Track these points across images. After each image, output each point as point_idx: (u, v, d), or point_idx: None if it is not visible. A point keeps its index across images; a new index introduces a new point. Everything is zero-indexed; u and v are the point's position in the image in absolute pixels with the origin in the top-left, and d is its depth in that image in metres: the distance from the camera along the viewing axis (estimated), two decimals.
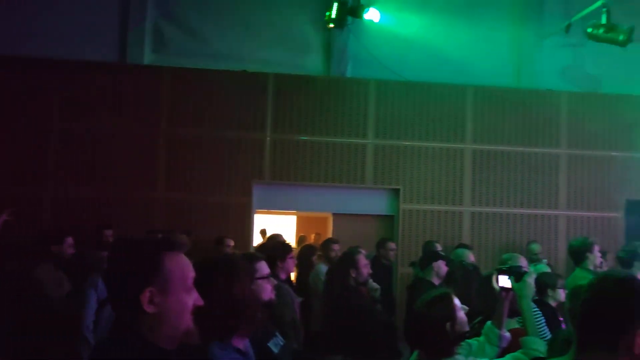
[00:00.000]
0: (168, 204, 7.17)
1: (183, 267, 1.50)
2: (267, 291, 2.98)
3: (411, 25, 7.37)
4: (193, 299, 1.51)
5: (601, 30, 6.19)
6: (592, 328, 1.58)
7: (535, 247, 7.26)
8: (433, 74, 7.60)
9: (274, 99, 7.43)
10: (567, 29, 6.96)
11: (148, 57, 7.60)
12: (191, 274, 1.52)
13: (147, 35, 7.57)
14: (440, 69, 7.59)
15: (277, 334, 2.94)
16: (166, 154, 7.24)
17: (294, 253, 8.10)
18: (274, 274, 3.40)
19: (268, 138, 7.41)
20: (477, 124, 7.68)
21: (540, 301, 4.38)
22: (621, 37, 6.06)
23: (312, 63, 7.92)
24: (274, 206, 8.11)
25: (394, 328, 4.90)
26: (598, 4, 6.25)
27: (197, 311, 1.51)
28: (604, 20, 6.19)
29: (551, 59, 7.93)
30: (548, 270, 5.92)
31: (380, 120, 7.56)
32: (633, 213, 7.88)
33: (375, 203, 7.73)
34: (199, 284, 1.55)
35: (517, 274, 2.64)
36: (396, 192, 7.61)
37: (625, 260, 5.06)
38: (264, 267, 3.00)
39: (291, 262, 4.51)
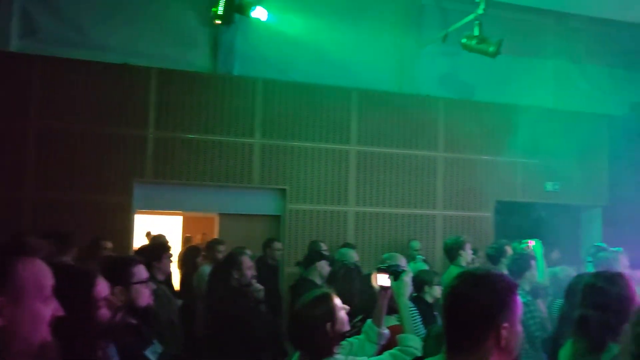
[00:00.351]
0: (38, 204, 6.62)
1: (38, 274, 1.36)
2: (144, 296, 2.85)
3: (298, 26, 7.41)
4: (51, 309, 1.37)
5: (474, 42, 6.62)
6: (458, 325, 1.62)
7: (415, 245, 7.61)
8: (320, 75, 7.71)
9: (157, 94, 7.13)
10: (444, 38, 7.37)
11: (15, 44, 6.97)
12: (49, 281, 1.37)
13: (14, 19, 6.94)
14: (327, 71, 7.71)
15: (155, 341, 2.82)
16: (36, 150, 6.67)
17: (180, 254, 7.96)
18: (150, 275, 3.25)
19: (150, 135, 7.10)
20: (361, 126, 7.90)
21: (418, 298, 4.59)
22: (491, 49, 6.51)
23: (198, 59, 7.70)
24: (157, 206, 7.78)
25: (278, 329, 4.89)
26: (472, 16, 6.67)
27: (56, 323, 1.38)
28: (476, 32, 6.62)
29: (430, 66, 8.36)
30: (426, 267, 6.25)
31: (267, 119, 7.53)
32: (501, 213, 8.52)
33: (262, 203, 7.69)
34: (59, 292, 1.41)
35: (395, 273, 2.72)
36: (283, 192, 7.62)
37: (493, 257, 5.42)
38: (141, 271, 2.86)
39: (168, 263, 4.35)
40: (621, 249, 4.86)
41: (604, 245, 5.59)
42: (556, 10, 7.38)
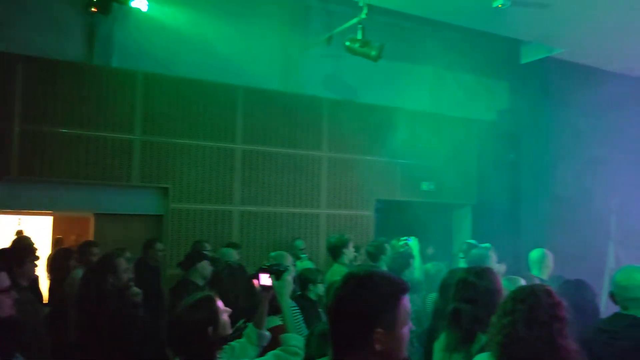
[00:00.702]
0: None
1: None
2: (5, 306, 2.62)
3: (182, 19, 7.17)
4: None
5: (357, 45, 6.78)
6: (340, 327, 1.63)
7: (300, 244, 7.68)
8: (205, 71, 7.51)
9: (23, 84, 6.55)
10: (329, 40, 7.49)
11: None
12: None
13: None
14: (213, 67, 7.52)
15: (18, 355, 2.60)
16: None
17: (49, 257, 7.37)
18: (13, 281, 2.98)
19: (16, 128, 6.51)
20: (247, 124, 7.81)
21: (303, 296, 4.62)
22: (373, 53, 6.71)
23: (72, 49, 7.17)
24: (23, 205, 7.15)
25: (159, 334, 4.70)
26: (355, 20, 6.84)
27: None
28: (359, 35, 6.79)
29: (315, 67, 8.47)
30: (312, 265, 6.32)
31: (149, 115, 7.21)
32: (381, 211, 8.86)
33: (142, 202, 7.35)
34: None
35: (277, 272, 2.70)
36: (165, 191, 7.34)
37: (373, 254, 5.60)
38: (2, 279, 2.62)
39: (32, 267, 4.01)
40: (490, 245, 5.25)
41: (475, 242, 5.99)
42: (433, 19, 7.76)
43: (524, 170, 9.27)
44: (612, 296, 2.91)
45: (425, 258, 6.36)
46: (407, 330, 1.63)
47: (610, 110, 8.62)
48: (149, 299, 4.72)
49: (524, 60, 9.11)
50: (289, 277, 2.69)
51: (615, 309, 3.01)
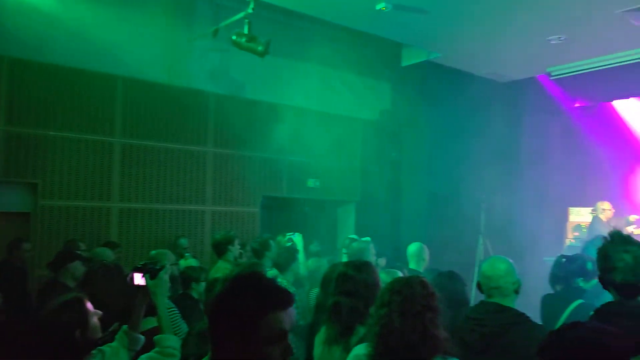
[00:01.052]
0: None
1: None
2: None
3: (54, 2, 6.66)
4: None
5: (243, 39, 6.70)
6: (222, 326, 1.61)
7: (184, 242, 7.48)
8: (81, 59, 7.01)
9: None
10: (215, 33, 7.33)
11: None
12: None
13: None
14: (90, 55, 7.03)
15: None
16: None
17: None
18: None
19: None
20: (127, 117, 7.44)
21: (185, 294, 4.50)
22: (260, 48, 6.67)
23: None
24: None
25: (22, 339, 4.32)
26: (242, 14, 6.75)
27: None
28: (246, 30, 6.71)
29: (201, 60, 8.25)
30: (196, 264, 6.16)
31: (15, 104, 6.63)
32: (268, 207, 8.85)
33: (6, 199, 6.76)
34: None
35: (151, 271, 2.58)
36: (33, 186, 6.79)
37: (258, 251, 5.58)
38: None
39: None
40: (370, 238, 5.42)
41: (356, 237, 6.17)
42: (320, 19, 7.86)
43: (404, 168, 9.72)
44: (479, 285, 3.10)
45: (309, 254, 6.45)
46: (286, 334, 1.63)
47: (479, 112, 9.28)
48: (14, 303, 4.35)
49: (405, 62, 9.54)
50: (165, 276, 2.58)
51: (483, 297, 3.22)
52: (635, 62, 8.57)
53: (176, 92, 7.87)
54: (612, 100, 9.50)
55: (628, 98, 9.37)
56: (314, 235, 7.93)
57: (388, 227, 9.60)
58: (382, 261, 5.91)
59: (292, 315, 1.64)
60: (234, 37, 6.77)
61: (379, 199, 9.50)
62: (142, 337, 2.56)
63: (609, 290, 2.55)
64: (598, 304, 2.65)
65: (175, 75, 8.07)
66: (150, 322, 2.82)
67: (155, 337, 2.49)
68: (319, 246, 7.76)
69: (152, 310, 2.74)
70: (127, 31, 7.29)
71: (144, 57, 7.53)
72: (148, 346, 2.55)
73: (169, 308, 2.81)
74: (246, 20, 6.70)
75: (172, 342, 2.44)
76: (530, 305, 3.88)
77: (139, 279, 2.58)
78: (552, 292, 3.97)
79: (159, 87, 7.74)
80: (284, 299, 1.63)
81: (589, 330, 1.51)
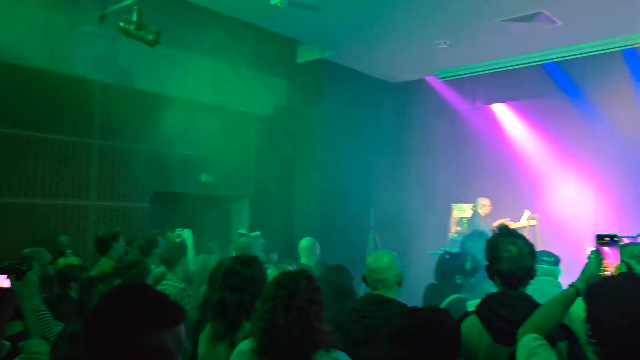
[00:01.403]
0: None
1: None
2: None
3: None
4: None
5: (132, 27, 6.38)
6: (97, 335, 1.45)
7: (65, 239, 7.05)
8: None
9: None
10: (102, 19, 6.95)
11: None
12: None
13: None
14: None
15: None
16: None
17: None
18: None
19: None
20: (1, 105, 6.84)
21: (64, 294, 4.24)
22: (150, 37, 6.38)
23: None
24: None
25: None
26: (130, 0, 6.44)
27: None
28: (134, 17, 6.40)
29: (86, 47, 7.74)
30: (78, 262, 5.81)
31: None
32: (158, 202, 8.53)
33: None
34: None
35: (17, 272, 2.38)
36: None
37: (145, 248, 5.38)
38: None
39: None
40: (259, 233, 5.40)
41: (245, 231, 6.13)
42: (216, 11, 7.69)
43: (297, 163, 9.80)
44: (364, 278, 3.19)
45: (202, 250, 6.31)
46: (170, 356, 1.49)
47: (371, 110, 9.58)
48: None
49: (300, 59, 9.62)
50: (32, 277, 2.39)
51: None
52: (509, 69, 9.26)
53: (57, 79, 7.31)
54: (491, 104, 10.19)
55: (502, 102, 10.10)
56: (207, 231, 7.77)
57: (281, 222, 9.64)
58: (275, 256, 5.92)
59: (179, 336, 1.47)
60: (121, 24, 6.43)
61: (272, 194, 9.51)
62: (7, 343, 2.36)
63: (494, 280, 2.70)
64: (472, 298, 2.85)
65: (56, 61, 7.51)
66: (17, 327, 2.61)
67: (21, 343, 2.30)
68: (216, 244, 7.61)
69: (18, 314, 2.54)
70: (2, 12, 6.71)
71: (20, 40, 6.96)
72: (13, 352, 2.36)
73: (39, 311, 2.61)
74: (135, 7, 6.40)
75: (39, 347, 2.27)
76: (417, 295, 4.07)
77: (3, 281, 2.37)
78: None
79: (37, 73, 7.16)
80: (169, 316, 1.46)
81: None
